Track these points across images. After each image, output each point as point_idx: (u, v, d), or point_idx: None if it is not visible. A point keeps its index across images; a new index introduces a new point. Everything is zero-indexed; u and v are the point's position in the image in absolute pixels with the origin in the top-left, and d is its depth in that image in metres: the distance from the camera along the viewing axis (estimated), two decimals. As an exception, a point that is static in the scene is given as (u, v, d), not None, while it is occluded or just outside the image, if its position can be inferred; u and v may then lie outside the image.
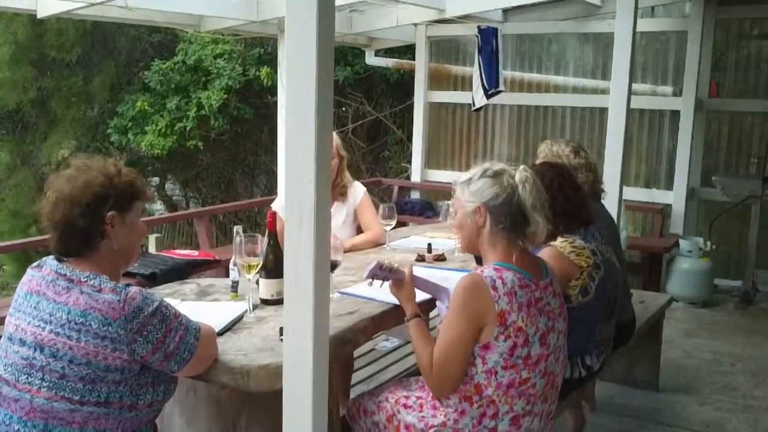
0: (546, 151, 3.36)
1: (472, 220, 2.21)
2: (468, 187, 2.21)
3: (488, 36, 6.27)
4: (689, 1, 6.10)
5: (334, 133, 3.79)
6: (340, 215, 3.74)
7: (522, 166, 2.19)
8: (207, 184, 11.48)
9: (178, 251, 4.82)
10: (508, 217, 2.14)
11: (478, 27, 6.32)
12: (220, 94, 9.26)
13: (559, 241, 2.66)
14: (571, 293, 2.60)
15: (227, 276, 2.87)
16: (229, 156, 11.02)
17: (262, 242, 2.56)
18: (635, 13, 4.19)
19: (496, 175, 2.17)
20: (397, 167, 9.72)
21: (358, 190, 3.83)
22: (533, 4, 6.37)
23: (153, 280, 4.07)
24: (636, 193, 6.36)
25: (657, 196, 6.43)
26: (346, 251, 3.42)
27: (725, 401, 4.01)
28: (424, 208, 6.87)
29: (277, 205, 3.78)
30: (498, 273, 2.11)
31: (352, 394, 3.79)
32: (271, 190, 10.96)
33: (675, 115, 6.29)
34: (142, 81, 10.03)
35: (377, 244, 3.68)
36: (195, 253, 4.83)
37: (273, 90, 9.04)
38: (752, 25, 6.35)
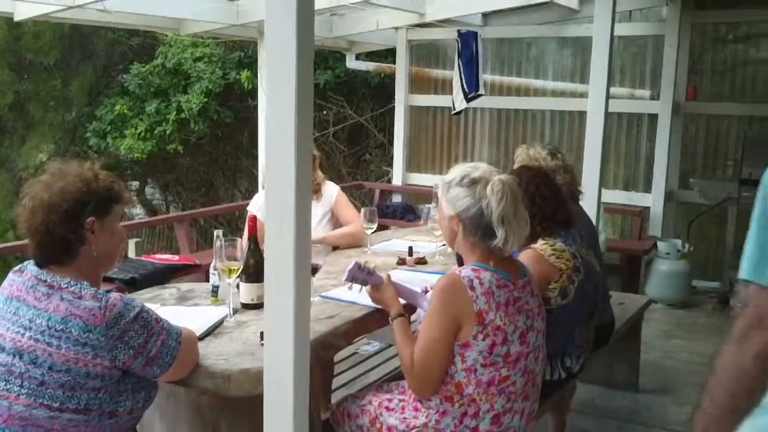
0: (522, 155, 3.37)
1: (449, 225, 2.25)
2: (447, 192, 2.23)
3: (468, 40, 6.30)
4: (666, 6, 6.18)
5: None
6: (315, 214, 3.78)
7: (497, 178, 2.17)
8: (187, 188, 11.43)
9: (157, 256, 4.79)
10: (478, 230, 2.16)
11: (458, 31, 6.36)
12: (200, 98, 9.24)
13: (540, 244, 2.68)
14: (551, 295, 2.62)
15: (208, 280, 2.86)
16: (210, 160, 10.99)
17: (243, 246, 2.56)
18: (613, 17, 4.24)
19: (472, 184, 2.17)
20: (378, 171, 9.74)
21: (332, 189, 3.90)
22: (512, 9, 6.41)
23: (132, 285, 4.04)
24: (615, 196, 6.41)
25: (635, 198, 6.49)
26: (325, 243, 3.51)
27: (703, 401, 4.05)
28: (406, 211, 6.89)
29: (254, 207, 3.77)
30: (476, 273, 2.13)
31: (335, 397, 3.79)
32: (252, 193, 10.89)
33: (653, 118, 6.35)
34: (121, 84, 9.99)
35: (358, 237, 3.72)
36: (175, 257, 4.81)
37: (254, 93, 9.02)
38: (728, 29, 6.43)
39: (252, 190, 10.91)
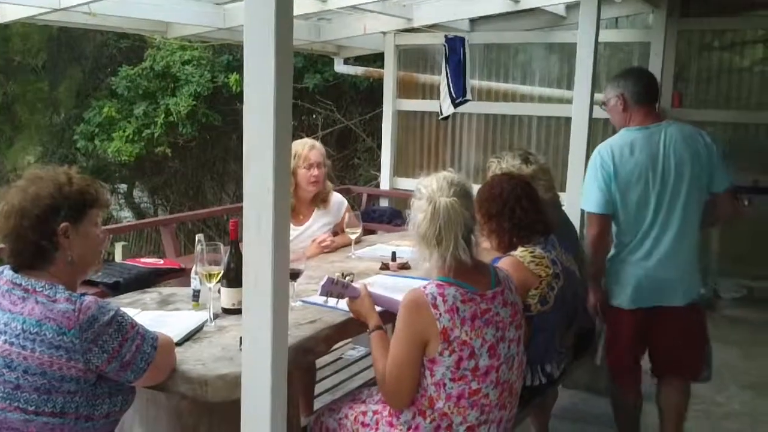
0: (496, 170, 3.25)
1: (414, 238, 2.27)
2: (412, 205, 2.25)
3: (455, 45, 6.31)
4: (652, 13, 6.21)
5: (320, 144, 3.85)
6: (319, 222, 3.82)
7: (440, 199, 2.16)
8: (175, 191, 11.41)
9: (143, 260, 4.76)
10: (429, 245, 2.18)
11: (446, 36, 6.36)
12: (188, 101, 9.23)
13: (519, 251, 2.68)
14: (531, 302, 2.62)
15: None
16: (198, 163, 10.97)
17: (225, 251, 2.55)
18: (597, 24, 4.26)
19: (428, 200, 2.18)
20: (367, 175, 9.75)
21: (340, 202, 3.92)
22: (499, 15, 6.42)
23: (116, 289, 4.01)
24: (601, 202, 6.42)
25: (622, 204, 6.51)
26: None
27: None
28: (393, 215, 6.88)
29: None
30: (440, 289, 2.14)
31: (319, 402, 3.80)
32: (240, 197, 10.89)
33: (638, 124, 6.37)
34: (109, 87, 9.96)
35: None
36: (160, 261, 4.78)
37: (242, 97, 8.97)
38: (713, 36, 6.48)
39: (239, 193, 10.87)
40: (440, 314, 2.10)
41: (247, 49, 1.86)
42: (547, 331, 2.68)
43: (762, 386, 4.41)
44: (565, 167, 4.42)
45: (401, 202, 7.36)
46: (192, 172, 11.11)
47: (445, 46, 6.32)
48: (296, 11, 1.88)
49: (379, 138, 7.90)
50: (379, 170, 7.97)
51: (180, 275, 4.73)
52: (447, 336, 2.10)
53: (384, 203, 7.52)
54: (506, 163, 3.18)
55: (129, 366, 1.86)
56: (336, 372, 4.41)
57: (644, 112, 3.12)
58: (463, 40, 6.34)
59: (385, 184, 7.50)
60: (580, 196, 4.07)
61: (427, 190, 2.21)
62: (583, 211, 4.18)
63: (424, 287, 2.17)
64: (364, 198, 7.55)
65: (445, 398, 2.13)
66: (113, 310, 1.86)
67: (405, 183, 7.43)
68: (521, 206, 2.70)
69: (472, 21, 6.86)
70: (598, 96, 4.60)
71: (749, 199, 5.67)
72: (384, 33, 7.03)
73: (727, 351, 5.00)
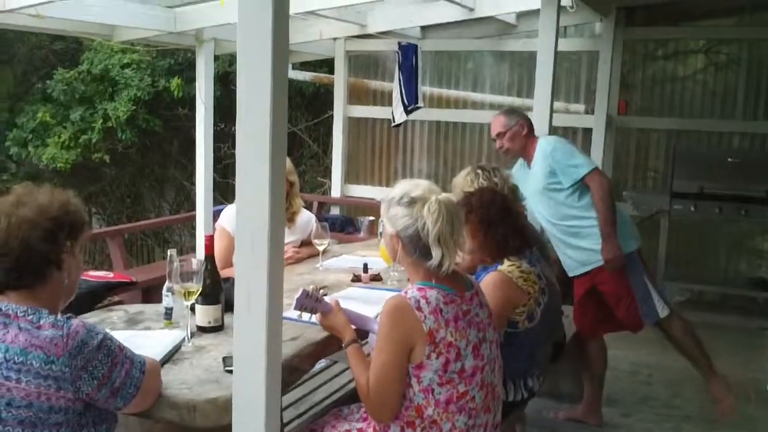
0: (457, 188, 3.21)
1: (391, 242, 2.23)
2: (388, 210, 2.21)
3: (408, 52, 6.29)
4: (599, 22, 6.33)
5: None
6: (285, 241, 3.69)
7: (434, 197, 2.14)
8: (112, 199, 11.02)
9: (91, 273, 4.56)
10: (417, 250, 2.15)
11: (399, 43, 6.33)
12: (127, 106, 8.94)
13: (506, 265, 2.63)
14: (518, 319, 2.58)
15: (142, 300, 2.72)
16: (137, 170, 10.64)
17: (199, 265, 2.44)
18: (557, 30, 4.30)
19: (411, 203, 2.15)
20: (313, 181, 9.63)
21: (309, 221, 3.83)
22: (451, 22, 6.44)
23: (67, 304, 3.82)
24: (552, 208, 6.50)
25: (571, 210, 6.60)
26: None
27: (647, 412, 4.14)
28: (345, 223, 6.81)
29: (225, 220, 3.62)
30: (421, 293, 2.10)
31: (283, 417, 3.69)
32: (181, 204, 10.62)
33: (587, 132, 6.49)
34: (43, 91, 9.56)
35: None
36: (110, 274, 4.59)
37: (184, 102, 8.79)
38: (656, 45, 6.65)
39: (180, 201, 10.60)
40: (425, 316, 2.06)
41: (241, 56, 1.77)
42: (531, 346, 2.65)
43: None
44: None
45: (353, 209, 7.31)
46: (130, 179, 10.76)
47: (398, 53, 6.29)
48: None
49: (326, 144, 7.83)
50: (325, 176, 7.89)
51: (130, 289, 4.55)
52: (433, 337, 2.05)
53: (335, 211, 7.45)
54: (463, 179, 3.16)
55: (119, 392, 1.75)
56: (297, 386, 4.31)
57: (535, 138, 3.86)
58: (415, 47, 6.33)
59: (336, 191, 7.43)
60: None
61: (418, 192, 2.16)
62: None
63: (405, 292, 2.13)
64: (315, 206, 7.46)
65: (434, 404, 2.08)
66: (101, 333, 1.74)
67: (356, 190, 7.38)
68: (515, 216, 2.67)
69: (424, 28, 6.87)
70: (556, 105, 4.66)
71: (695, 205, 5.86)
72: (335, 39, 6.97)
73: (676, 354, 5.11)
